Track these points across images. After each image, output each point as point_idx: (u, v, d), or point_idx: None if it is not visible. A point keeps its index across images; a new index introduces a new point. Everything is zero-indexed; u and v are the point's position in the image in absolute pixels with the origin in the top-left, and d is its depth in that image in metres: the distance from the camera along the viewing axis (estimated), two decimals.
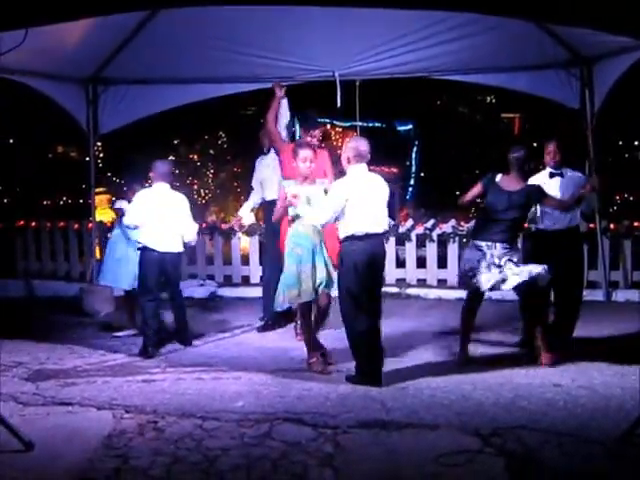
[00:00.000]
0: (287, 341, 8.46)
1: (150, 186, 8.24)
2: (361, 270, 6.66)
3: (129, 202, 8.36)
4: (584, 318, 9.01)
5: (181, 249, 8.16)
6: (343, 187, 6.82)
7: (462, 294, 9.52)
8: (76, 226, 12.43)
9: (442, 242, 11.46)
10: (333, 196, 6.82)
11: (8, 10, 4.64)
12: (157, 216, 7.93)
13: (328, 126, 20.70)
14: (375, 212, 6.79)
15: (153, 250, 7.90)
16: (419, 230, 11.56)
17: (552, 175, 7.71)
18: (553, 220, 7.68)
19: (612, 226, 10.93)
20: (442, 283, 11.38)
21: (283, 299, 7.07)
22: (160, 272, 8.01)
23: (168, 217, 7.96)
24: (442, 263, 11.45)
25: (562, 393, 6.35)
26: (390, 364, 7.24)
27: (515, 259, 7.14)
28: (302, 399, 6.32)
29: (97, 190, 13.13)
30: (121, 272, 8.66)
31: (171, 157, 19.18)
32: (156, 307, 7.98)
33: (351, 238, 6.70)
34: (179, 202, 8.15)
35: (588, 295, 10.39)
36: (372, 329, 6.79)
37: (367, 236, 6.69)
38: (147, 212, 7.95)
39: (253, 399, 6.34)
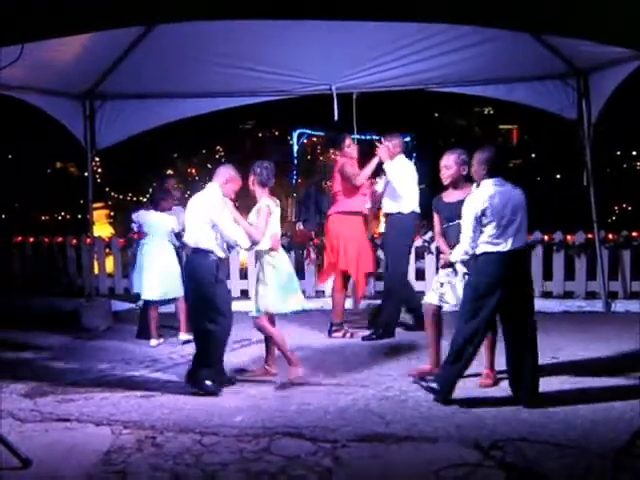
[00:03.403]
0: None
1: None
2: None
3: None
4: (584, 329, 9.06)
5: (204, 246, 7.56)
6: None
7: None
8: (74, 241, 12.42)
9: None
10: None
11: (3, 26, 4.64)
12: None
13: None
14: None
15: None
16: (418, 242, 11.53)
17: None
18: None
19: (611, 236, 10.92)
20: None
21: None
22: None
23: None
24: None
25: (561, 404, 6.32)
26: (389, 377, 7.24)
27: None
28: (301, 413, 6.30)
29: (95, 205, 13.15)
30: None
31: (169, 171, 19.23)
32: None
33: None
34: None
35: (587, 306, 10.42)
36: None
37: None
38: None
39: (252, 414, 6.32)
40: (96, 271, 11.66)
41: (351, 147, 9.34)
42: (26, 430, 6.04)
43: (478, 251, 6.46)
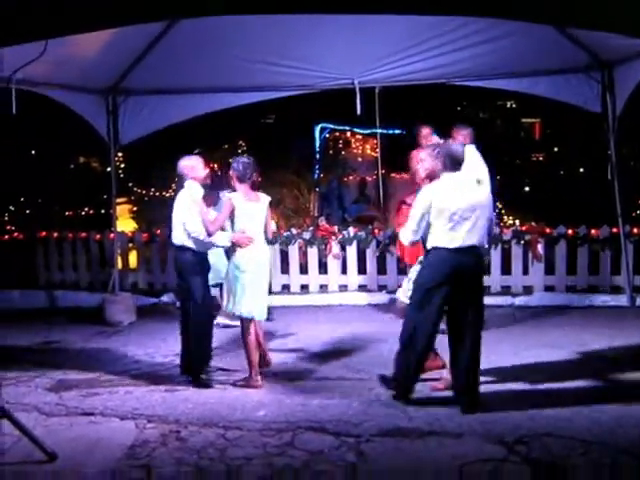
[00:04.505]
0: (307, 350, 8.46)
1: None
2: None
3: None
4: (608, 323, 8.99)
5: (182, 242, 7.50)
6: None
7: None
8: (98, 236, 12.46)
9: None
10: None
11: (27, 22, 4.66)
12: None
13: (348, 134, 20.69)
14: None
15: None
16: None
17: None
18: None
19: (636, 230, 10.81)
20: None
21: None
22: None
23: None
24: None
25: (586, 399, 6.28)
26: None
27: None
28: (324, 408, 6.30)
29: (118, 200, 13.18)
30: None
31: None
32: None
33: None
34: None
35: (612, 300, 10.34)
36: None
37: None
38: None
39: (275, 408, 6.33)
40: (119, 266, 11.69)
41: (427, 139, 9.14)
42: (51, 424, 6.07)
43: (429, 245, 6.33)
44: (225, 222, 7.14)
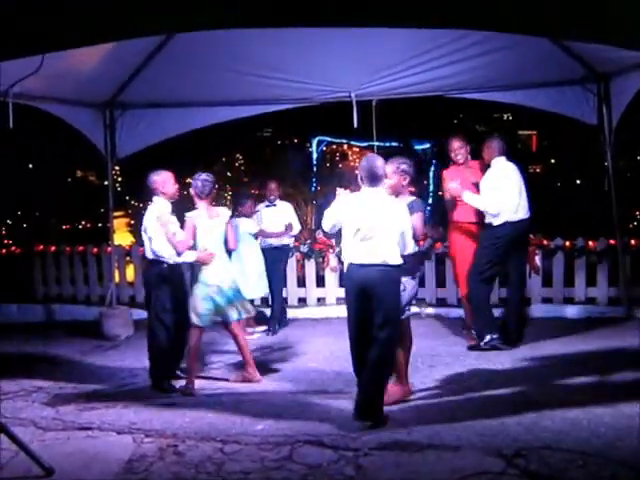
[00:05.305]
0: (305, 363, 8.44)
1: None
2: None
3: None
4: (606, 335, 8.98)
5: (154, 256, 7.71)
6: None
7: None
8: (95, 250, 12.45)
9: None
10: None
11: (24, 36, 4.66)
12: None
13: (345, 146, 20.73)
14: None
15: None
16: (438, 249, 11.45)
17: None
18: None
19: (633, 242, 10.81)
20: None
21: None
22: None
23: None
24: None
25: (585, 411, 6.26)
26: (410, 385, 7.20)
27: None
28: (322, 421, 6.27)
29: (116, 214, 13.18)
30: None
31: (188, 180, 19.30)
32: None
33: None
34: None
35: (609, 312, 10.32)
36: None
37: None
38: None
39: (273, 422, 6.30)
40: (117, 280, 11.69)
41: (455, 152, 9.04)
42: (48, 439, 6.05)
43: (344, 260, 6.44)
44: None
